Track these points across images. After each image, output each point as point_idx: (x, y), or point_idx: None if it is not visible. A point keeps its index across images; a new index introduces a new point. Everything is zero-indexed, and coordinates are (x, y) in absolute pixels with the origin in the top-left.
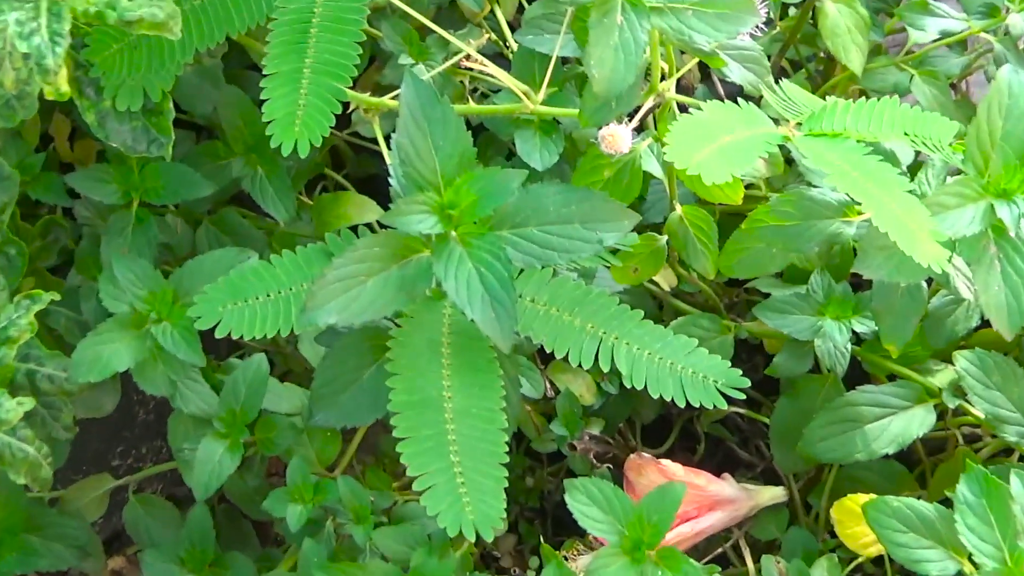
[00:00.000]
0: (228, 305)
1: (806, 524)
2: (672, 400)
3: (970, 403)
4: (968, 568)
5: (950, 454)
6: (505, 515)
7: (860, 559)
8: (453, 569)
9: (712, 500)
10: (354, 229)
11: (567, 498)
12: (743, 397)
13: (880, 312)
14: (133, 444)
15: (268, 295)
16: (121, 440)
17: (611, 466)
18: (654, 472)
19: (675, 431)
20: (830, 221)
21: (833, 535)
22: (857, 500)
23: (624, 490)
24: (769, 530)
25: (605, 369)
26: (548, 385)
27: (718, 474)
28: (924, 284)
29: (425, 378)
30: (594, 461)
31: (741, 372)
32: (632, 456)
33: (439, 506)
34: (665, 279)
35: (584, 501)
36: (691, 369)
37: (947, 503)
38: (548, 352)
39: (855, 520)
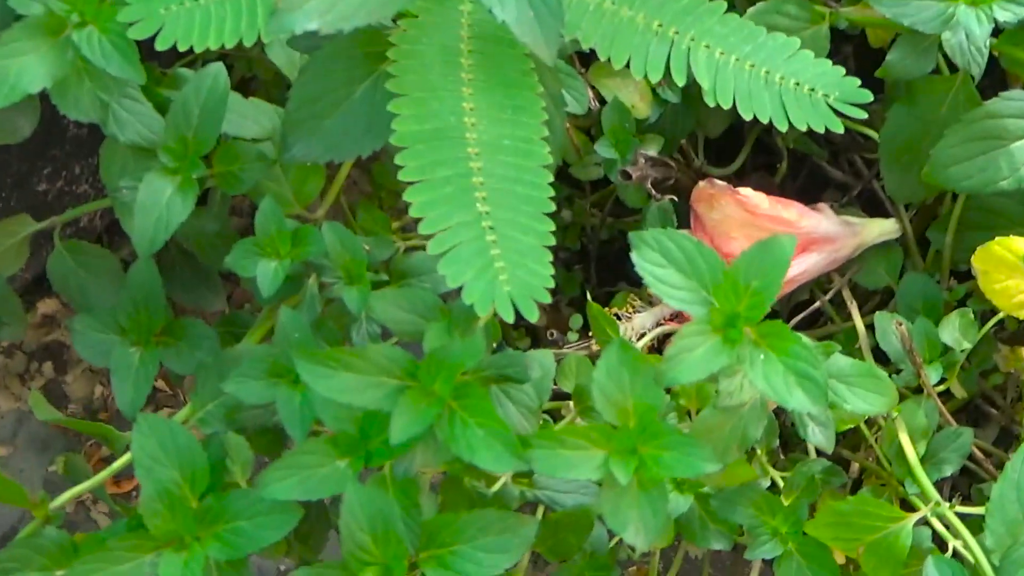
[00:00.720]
0: (172, 6)
1: (925, 268)
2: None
3: None
4: None
5: None
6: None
7: (1002, 315)
8: (482, 348)
9: (806, 238)
10: None
11: (634, 257)
12: (864, 116)
13: None
14: (63, 163)
15: None
16: (48, 160)
17: (673, 196)
18: (730, 204)
19: (748, 146)
20: None
21: (961, 279)
22: (1009, 244)
23: (692, 228)
24: (878, 275)
25: (680, 82)
26: (591, 94)
27: (807, 201)
28: None
29: (440, 99)
30: (651, 190)
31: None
32: (701, 184)
33: (464, 274)
34: None
35: (657, 261)
36: (793, 79)
37: None
38: (600, 57)
39: (1005, 271)
